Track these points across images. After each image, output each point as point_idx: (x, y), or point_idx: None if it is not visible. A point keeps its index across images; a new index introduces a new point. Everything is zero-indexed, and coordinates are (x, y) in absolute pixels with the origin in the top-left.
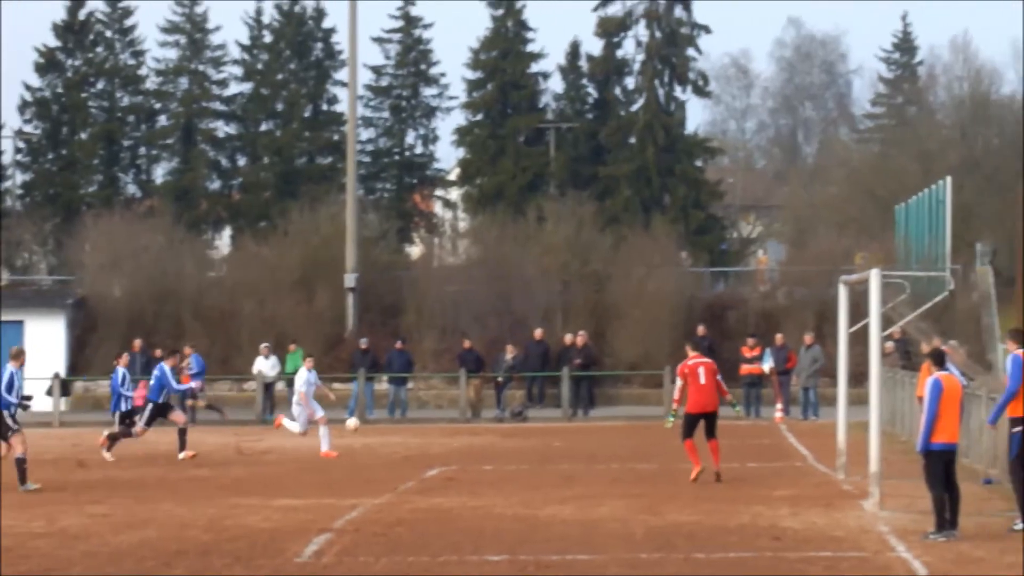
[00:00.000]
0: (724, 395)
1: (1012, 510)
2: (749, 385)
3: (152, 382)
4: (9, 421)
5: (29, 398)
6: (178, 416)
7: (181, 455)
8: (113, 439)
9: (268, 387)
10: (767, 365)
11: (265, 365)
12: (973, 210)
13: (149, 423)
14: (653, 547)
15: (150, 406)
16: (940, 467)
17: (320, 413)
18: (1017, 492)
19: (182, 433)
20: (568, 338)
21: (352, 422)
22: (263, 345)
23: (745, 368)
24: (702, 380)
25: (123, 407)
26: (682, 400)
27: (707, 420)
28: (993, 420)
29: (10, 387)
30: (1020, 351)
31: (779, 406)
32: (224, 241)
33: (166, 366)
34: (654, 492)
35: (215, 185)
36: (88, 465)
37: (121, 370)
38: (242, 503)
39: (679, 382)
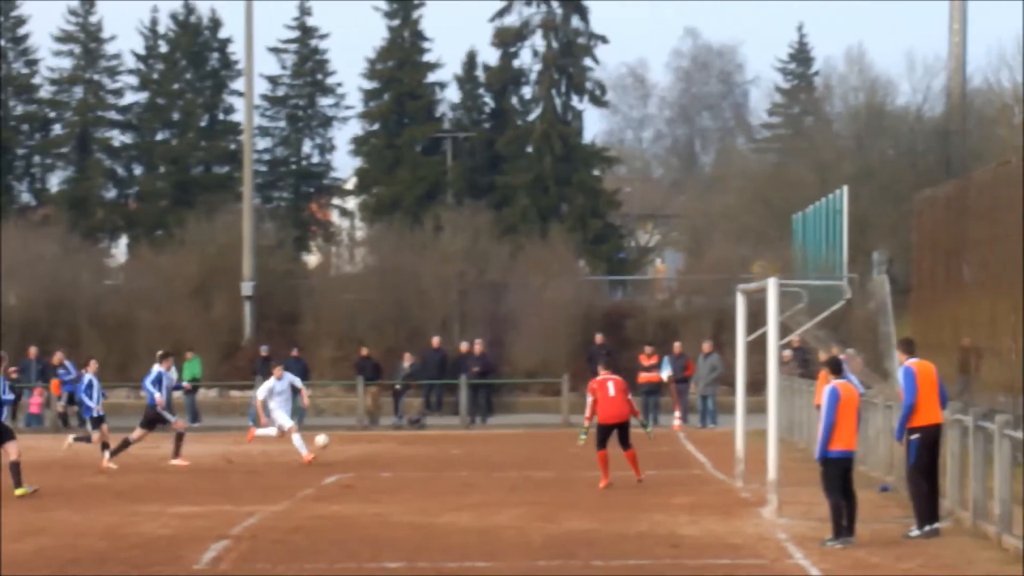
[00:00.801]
0: (635, 415)
1: (908, 516)
2: (647, 393)
3: (152, 389)
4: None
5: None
6: (178, 423)
7: (174, 461)
8: (121, 447)
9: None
10: (665, 373)
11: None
12: (869, 220)
13: (150, 427)
14: (551, 555)
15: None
16: (837, 474)
17: (288, 423)
18: (913, 499)
19: (179, 438)
20: (463, 346)
21: (321, 438)
22: (160, 353)
23: (643, 376)
24: (611, 393)
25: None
26: (592, 417)
27: (619, 431)
28: (899, 436)
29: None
30: (910, 362)
31: (677, 414)
32: (121, 250)
33: (162, 369)
34: (552, 500)
35: (111, 194)
36: None
37: (88, 376)
38: (140, 510)
39: (589, 398)
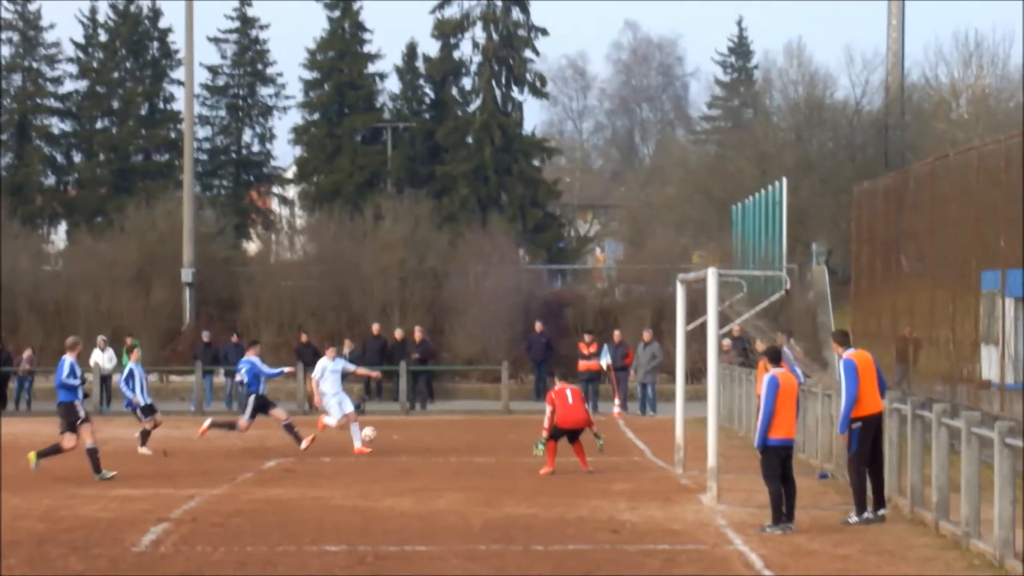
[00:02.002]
0: (591, 426)
1: (846, 503)
2: (587, 381)
3: (246, 375)
4: (80, 411)
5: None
6: (279, 412)
7: (303, 445)
8: (220, 425)
9: (105, 379)
10: (604, 361)
11: (102, 358)
12: (808, 211)
13: (253, 416)
14: (491, 539)
15: (252, 398)
16: (777, 462)
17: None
18: (854, 487)
19: (289, 428)
20: (398, 333)
21: (368, 431)
22: (100, 338)
23: (583, 364)
24: (570, 400)
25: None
26: (551, 428)
27: (572, 434)
28: (843, 429)
29: (73, 374)
30: (848, 353)
31: (617, 402)
32: (60, 236)
33: (253, 357)
34: (492, 485)
35: (50, 181)
36: None
37: (130, 366)
38: (79, 493)
39: (548, 409)
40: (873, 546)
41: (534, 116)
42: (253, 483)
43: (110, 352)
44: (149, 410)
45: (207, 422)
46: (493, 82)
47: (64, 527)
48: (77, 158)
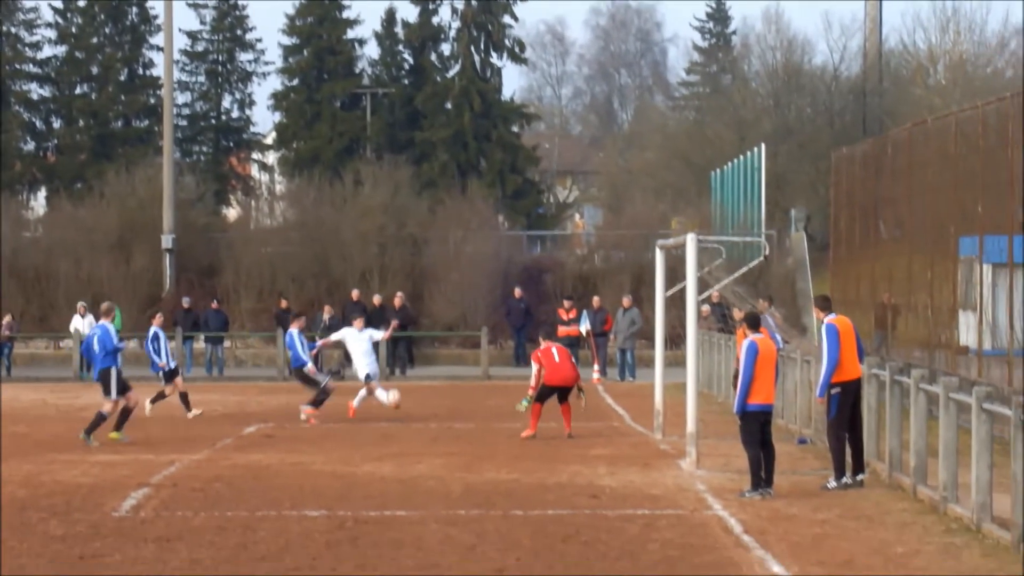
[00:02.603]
0: (578, 380)
1: (825, 468)
2: (567, 347)
3: (290, 350)
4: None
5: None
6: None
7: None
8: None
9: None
10: (584, 327)
11: (82, 324)
12: (787, 177)
13: (325, 374)
14: (471, 504)
15: (300, 371)
16: (756, 427)
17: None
18: (833, 452)
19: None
20: (377, 299)
21: (393, 395)
22: (80, 304)
23: (562, 330)
24: (556, 359)
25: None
26: (538, 386)
27: (560, 393)
28: (821, 393)
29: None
30: (831, 318)
31: (596, 367)
32: (40, 202)
33: (293, 330)
34: (472, 451)
35: (29, 147)
36: None
37: (153, 329)
38: (59, 459)
39: (535, 367)
40: (851, 511)
41: (513, 82)
42: (233, 448)
43: (90, 318)
44: (173, 374)
45: (306, 407)
46: (472, 48)
47: (45, 492)
48: (57, 124)
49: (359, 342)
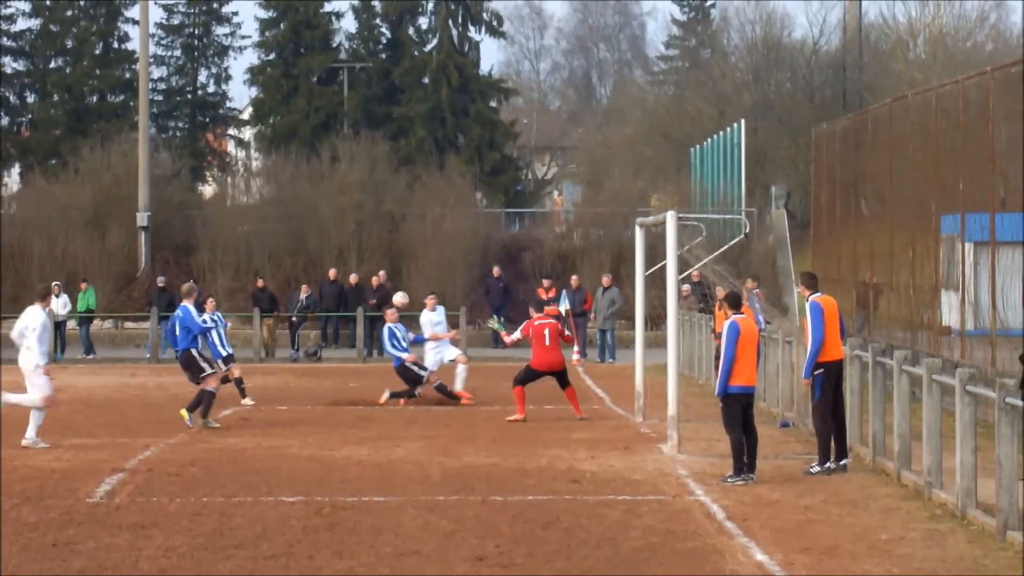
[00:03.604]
0: (568, 341)
1: (809, 453)
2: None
3: (390, 353)
4: (201, 363)
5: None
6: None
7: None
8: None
9: (59, 325)
10: (563, 307)
11: (56, 304)
12: (767, 153)
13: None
14: (450, 489)
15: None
16: (738, 410)
17: (456, 353)
18: (819, 435)
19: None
20: (353, 278)
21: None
22: (54, 283)
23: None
24: (547, 342)
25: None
26: (516, 339)
27: (557, 377)
28: (807, 374)
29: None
30: (815, 297)
31: (576, 348)
32: (13, 179)
33: (392, 325)
34: (450, 434)
35: (3, 122)
36: None
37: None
38: None
39: (518, 335)
40: (835, 496)
41: (491, 56)
42: (209, 433)
43: (64, 298)
44: (229, 360)
45: (386, 393)
46: (450, 21)
47: (17, 477)
48: (31, 99)
49: (438, 324)
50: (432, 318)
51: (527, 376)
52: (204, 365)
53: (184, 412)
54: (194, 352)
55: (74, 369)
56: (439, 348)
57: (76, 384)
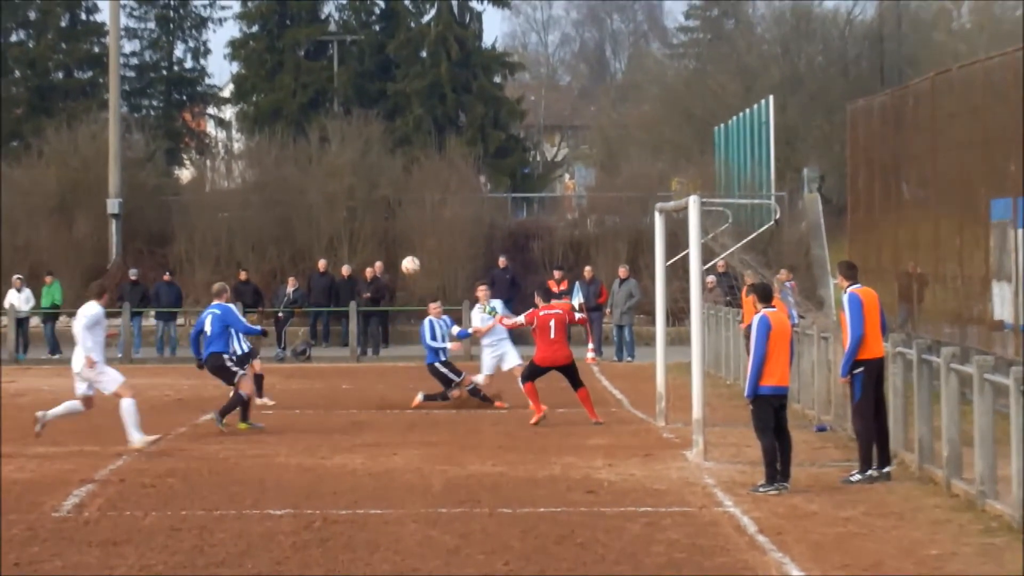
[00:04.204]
0: (580, 322)
1: (848, 460)
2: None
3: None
4: (233, 367)
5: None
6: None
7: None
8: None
9: (21, 323)
10: (576, 301)
11: (18, 299)
12: (798, 132)
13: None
14: (454, 501)
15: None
16: (769, 413)
17: (516, 362)
18: (860, 439)
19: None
20: (346, 269)
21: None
22: (15, 277)
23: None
24: (552, 335)
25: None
26: (512, 324)
27: (565, 373)
28: (845, 372)
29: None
30: (854, 288)
31: (591, 346)
32: None
33: (434, 318)
34: (453, 440)
35: None
36: None
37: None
38: None
39: (521, 319)
40: (878, 507)
41: (494, 28)
42: (188, 439)
43: (27, 292)
44: (251, 356)
45: (419, 396)
46: None
47: None
48: None
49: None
50: (482, 314)
51: (533, 372)
52: (236, 368)
53: (216, 415)
54: (225, 356)
55: (38, 370)
56: (497, 350)
57: (40, 387)
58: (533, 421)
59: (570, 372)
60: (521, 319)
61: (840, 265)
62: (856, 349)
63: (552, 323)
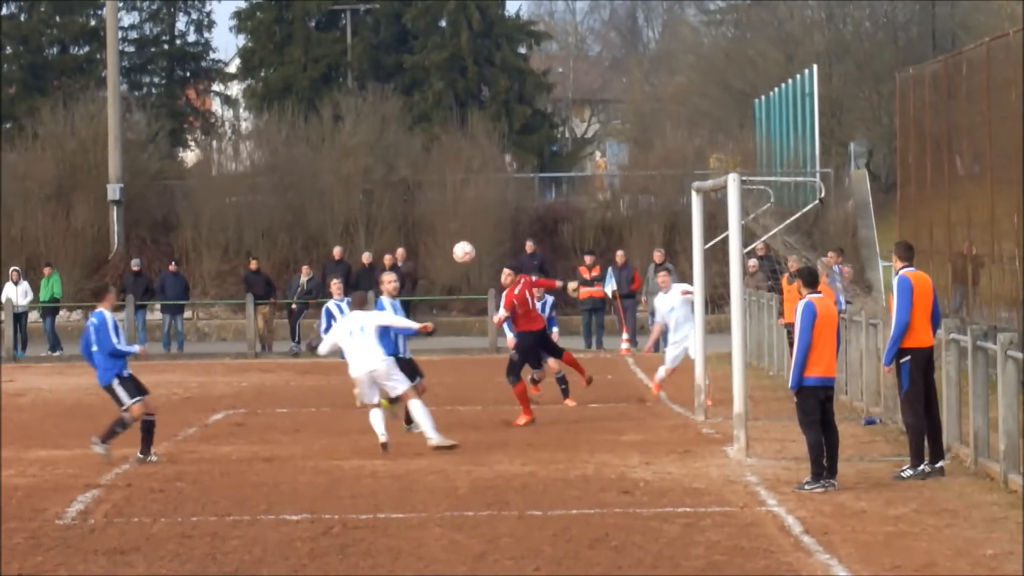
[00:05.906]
0: (552, 286)
1: (898, 454)
2: (590, 311)
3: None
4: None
5: None
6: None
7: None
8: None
9: (19, 317)
10: (609, 287)
11: (15, 292)
12: (844, 104)
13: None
14: (481, 504)
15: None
16: (815, 406)
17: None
18: (910, 432)
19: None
20: (366, 257)
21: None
22: (12, 269)
23: (584, 291)
24: (530, 304)
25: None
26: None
27: (545, 344)
28: (888, 360)
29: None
30: (907, 271)
31: (625, 336)
32: None
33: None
34: (479, 438)
35: None
36: None
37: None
38: None
39: (503, 312)
40: (930, 505)
41: None
42: (198, 440)
43: (25, 285)
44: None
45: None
46: None
47: None
48: None
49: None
50: (667, 301)
51: (522, 347)
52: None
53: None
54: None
55: (38, 368)
56: (680, 342)
57: (40, 386)
58: (519, 422)
59: (549, 344)
60: (503, 312)
61: (897, 246)
62: (901, 336)
63: (528, 293)
